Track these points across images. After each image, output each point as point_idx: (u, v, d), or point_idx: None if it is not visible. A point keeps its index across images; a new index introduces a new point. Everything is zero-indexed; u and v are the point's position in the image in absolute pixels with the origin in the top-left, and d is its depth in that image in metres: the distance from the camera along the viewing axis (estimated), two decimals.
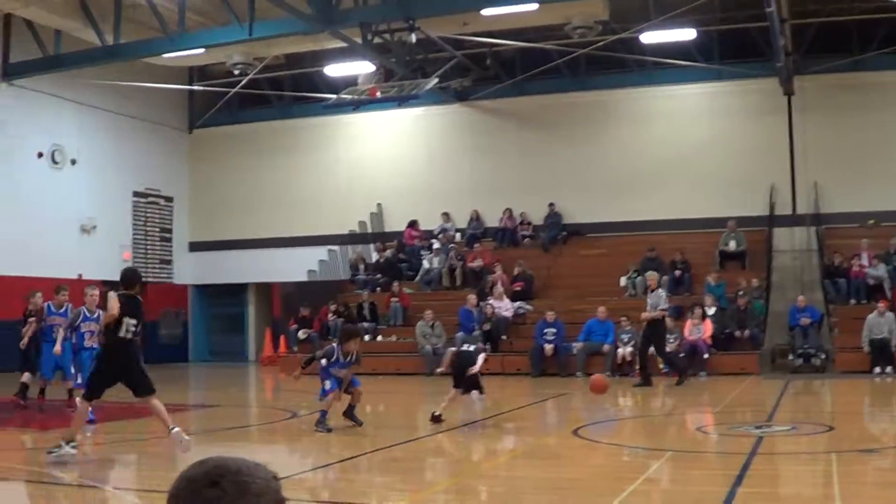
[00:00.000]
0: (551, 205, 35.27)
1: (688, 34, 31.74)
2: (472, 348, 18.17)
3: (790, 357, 27.52)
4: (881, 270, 29.59)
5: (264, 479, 2.70)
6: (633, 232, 34.11)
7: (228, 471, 2.68)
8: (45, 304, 19.77)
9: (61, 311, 19.44)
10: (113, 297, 12.87)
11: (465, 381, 17.02)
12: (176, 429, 12.49)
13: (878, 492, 10.25)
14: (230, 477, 2.66)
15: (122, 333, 12.83)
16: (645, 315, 23.89)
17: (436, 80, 30.84)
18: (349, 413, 16.14)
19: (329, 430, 15.47)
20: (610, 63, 35.06)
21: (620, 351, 27.52)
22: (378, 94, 30.61)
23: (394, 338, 31.18)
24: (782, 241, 32.78)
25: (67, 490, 11.32)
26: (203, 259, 39.74)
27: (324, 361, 15.95)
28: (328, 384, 15.82)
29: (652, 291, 24.10)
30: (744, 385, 23.81)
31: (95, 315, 17.58)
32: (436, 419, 16.48)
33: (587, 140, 35.73)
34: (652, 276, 25.00)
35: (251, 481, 2.66)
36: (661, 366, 25.54)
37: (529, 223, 35.70)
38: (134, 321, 12.91)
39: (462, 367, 17.14)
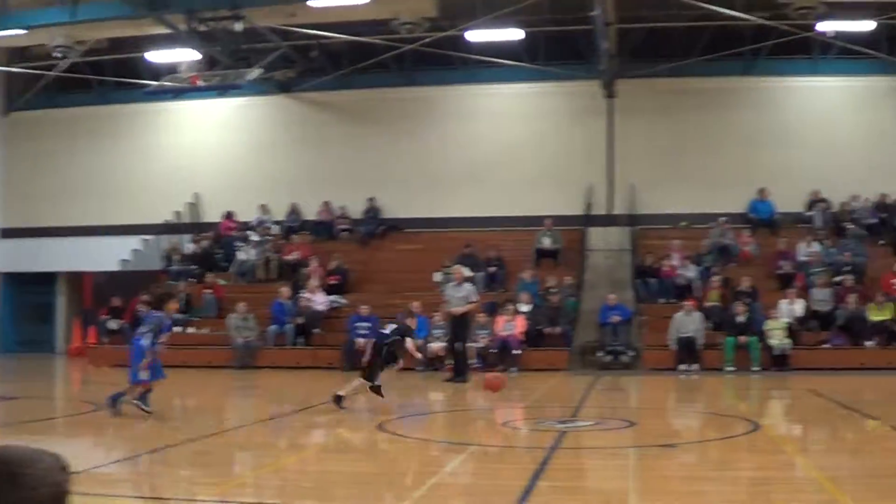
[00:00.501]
0: (370, 199, 35.24)
1: (514, 34, 32.04)
2: (387, 330, 18.56)
3: (599, 354, 27.99)
4: (692, 271, 30.29)
5: (45, 469, 2.58)
6: (451, 228, 34.19)
7: (1, 461, 2.56)
8: None
9: None
10: None
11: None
12: None
13: (674, 486, 10.40)
14: (1, 467, 2.54)
15: None
16: (457, 310, 23.89)
17: (259, 70, 30.60)
18: (142, 398, 16.05)
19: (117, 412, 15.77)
20: (436, 60, 35.08)
21: (433, 346, 27.64)
22: (200, 83, 30.21)
23: (206, 330, 30.63)
24: (597, 241, 33.27)
25: None
26: (15, 246, 38.43)
27: (147, 341, 15.78)
28: (145, 371, 15.75)
29: (457, 285, 24.10)
30: (553, 381, 24.11)
31: None
32: (339, 399, 17.12)
33: (410, 136, 35.77)
34: (457, 269, 25.03)
35: (25, 472, 2.54)
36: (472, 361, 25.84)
37: (348, 217, 35.60)
38: None
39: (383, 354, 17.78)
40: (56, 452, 2.64)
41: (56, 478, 2.59)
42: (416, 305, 28.12)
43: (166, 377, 16.33)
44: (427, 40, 32.77)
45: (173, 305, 17.19)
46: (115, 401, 15.92)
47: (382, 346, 17.84)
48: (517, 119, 35.51)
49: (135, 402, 15.85)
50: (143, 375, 15.67)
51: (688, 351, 27.11)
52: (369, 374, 17.52)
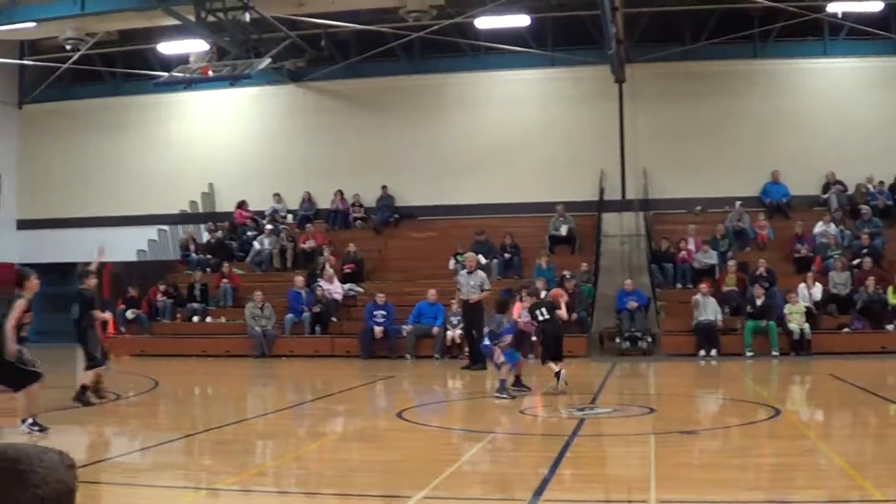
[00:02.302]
0: (384, 187, 35.27)
1: (521, 20, 31.99)
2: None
3: (617, 340, 27.97)
4: (712, 257, 30.22)
5: (48, 468, 2.58)
6: (464, 215, 34.17)
7: (5, 458, 2.57)
8: None
9: None
10: None
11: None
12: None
13: (692, 472, 10.43)
14: (5, 465, 2.55)
15: None
16: (471, 297, 23.87)
17: (268, 60, 30.59)
18: (517, 382, 18.72)
19: (513, 397, 17.58)
20: (445, 47, 35.07)
21: (450, 333, 27.66)
22: (210, 73, 30.23)
23: (223, 319, 30.78)
24: (611, 226, 33.28)
25: None
26: (31, 237, 38.48)
27: (487, 340, 18.66)
28: (500, 356, 18.11)
29: (469, 273, 24.04)
30: (571, 368, 24.00)
31: None
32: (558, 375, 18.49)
33: (420, 123, 35.74)
34: (470, 256, 24.99)
35: (31, 470, 2.55)
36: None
37: (361, 205, 35.61)
38: None
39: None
40: (61, 450, 2.65)
41: (61, 475, 2.59)
42: (432, 293, 28.24)
43: (518, 359, 18.63)
44: (435, 28, 32.75)
45: (515, 310, 19.41)
46: (501, 390, 17.75)
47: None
48: (527, 105, 35.46)
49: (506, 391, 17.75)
50: (499, 359, 18.16)
51: (707, 336, 27.08)
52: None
